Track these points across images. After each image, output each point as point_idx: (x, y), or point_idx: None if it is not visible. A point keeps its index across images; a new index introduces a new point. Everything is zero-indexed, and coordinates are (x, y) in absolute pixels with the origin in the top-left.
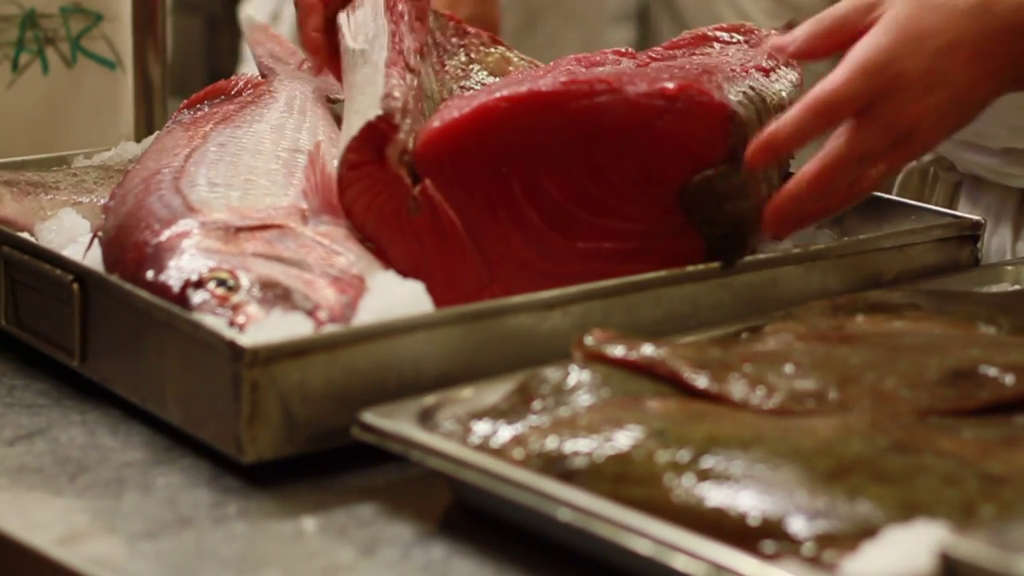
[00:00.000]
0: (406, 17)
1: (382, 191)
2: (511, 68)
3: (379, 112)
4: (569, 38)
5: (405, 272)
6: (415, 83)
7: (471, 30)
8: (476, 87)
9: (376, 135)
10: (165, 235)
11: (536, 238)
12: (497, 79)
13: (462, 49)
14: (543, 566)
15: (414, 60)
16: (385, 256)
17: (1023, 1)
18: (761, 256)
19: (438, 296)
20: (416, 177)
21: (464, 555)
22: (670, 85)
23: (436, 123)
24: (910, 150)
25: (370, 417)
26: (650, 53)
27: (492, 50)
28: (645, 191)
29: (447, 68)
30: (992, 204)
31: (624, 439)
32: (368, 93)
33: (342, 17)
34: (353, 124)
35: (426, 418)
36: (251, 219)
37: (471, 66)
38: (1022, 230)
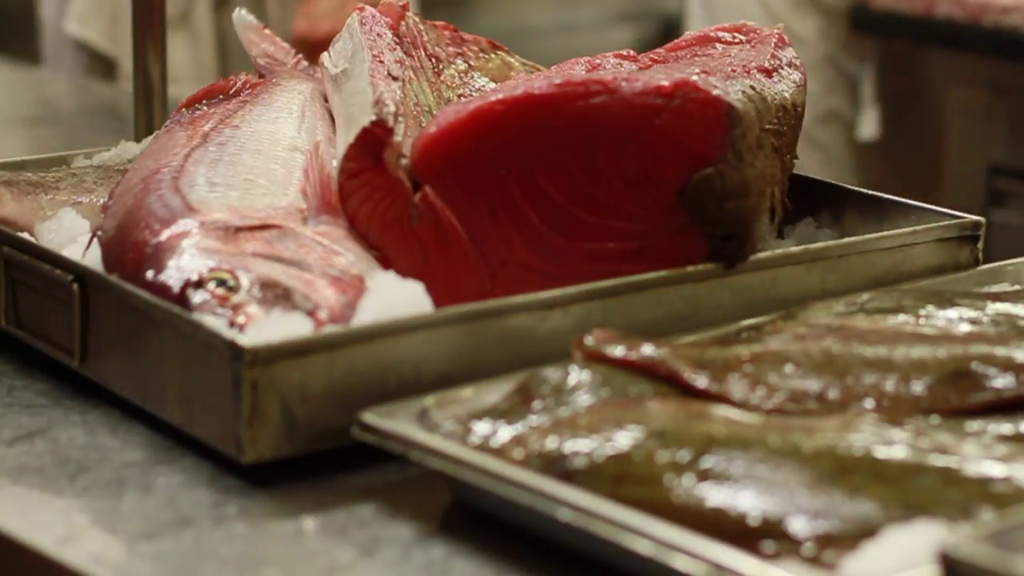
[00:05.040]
0: (384, 36)
1: (383, 198)
2: (513, 73)
3: (372, 118)
4: None
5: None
6: (399, 91)
7: (468, 37)
8: (476, 94)
9: (372, 141)
10: (165, 235)
11: (537, 240)
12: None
13: (459, 57)
14: (543, 566)
15: (397, 70)
16: (389, 264)
17: None
18: (761, 256)
19: (442, 302)
20: (416, 185)
21: (464, 555)
22: (665, 83)
23: (433, 129)
24: None
25: (370, 417)
26: (651, 55)
27: (492, 56)
28: (645, 191)
29: (443, 78)
30: None
31: (624, 439)
32: (358, 102)
33: (324, 56)
34: (348, 132)
35: (426, 418)
36: (251, 219)
37: (470, 73)
38: None
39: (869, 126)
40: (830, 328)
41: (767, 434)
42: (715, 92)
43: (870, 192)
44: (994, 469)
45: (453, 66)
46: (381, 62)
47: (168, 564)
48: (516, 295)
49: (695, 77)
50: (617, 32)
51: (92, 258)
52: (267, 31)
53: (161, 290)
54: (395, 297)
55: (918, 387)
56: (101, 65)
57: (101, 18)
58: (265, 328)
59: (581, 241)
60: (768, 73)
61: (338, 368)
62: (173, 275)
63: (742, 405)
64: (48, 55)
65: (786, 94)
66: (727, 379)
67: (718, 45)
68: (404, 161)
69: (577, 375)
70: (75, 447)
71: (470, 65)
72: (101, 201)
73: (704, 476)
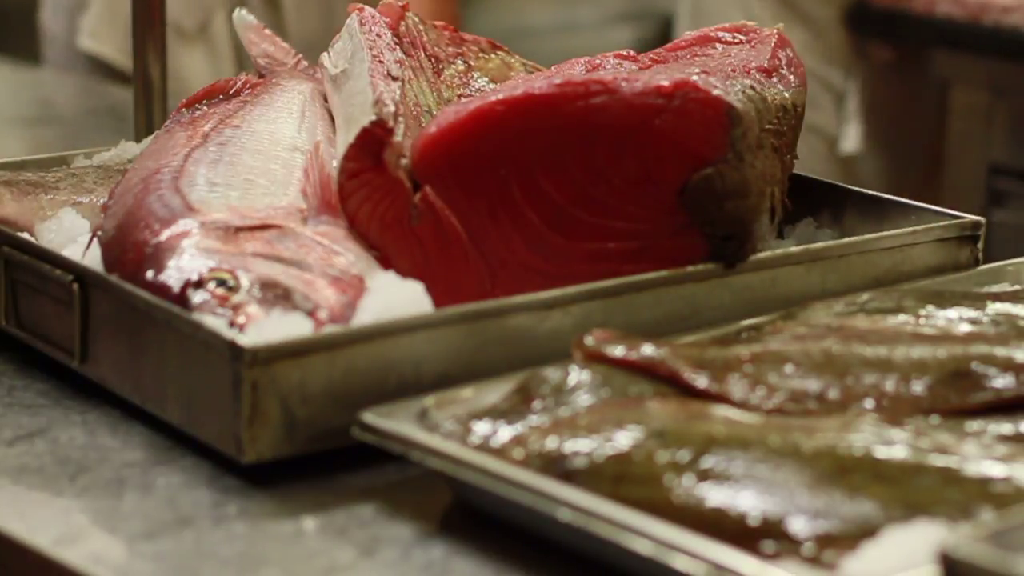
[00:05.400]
0: (384, 36)
1: (383, 198)
2: (513, 74)
3: (372, 118)
4: None
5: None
6: (399, 91)
7: (468, 38)
8: (476, 94)
9: (372, 141)
10: (165, 235)
11: (537, 240)
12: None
13: (459, 58)
14: (543, 566)
15: (396, 71)
16: (389, 264)
17: None
18: (761, 256)
19: (442, 302)
20: (416, 185)
21: (464, 555)
22: (666, 83)
23: (433, 129)
24: None
25: (370, 417)
26: (651, 55)
27: (492, 56)
28: (645, 191)
29: (443, 78)
30: None
31: (624, 439)
32: (358, 103)
33: (323, 56)
34: (348, 132)
35: (426, 418)
36: (251, 219)
37: (471, 73)
38: None
39: (851, 140)
40: (830, 328)
41: (767, 434)
42: (715, 92)
43: (870, 192)
44: (994, 469)
45: (453, 66)
46: (381, 62)
47: (168, 564)
48: (516, 295)
49: (695, 77)
50: (617, 32)
51: (92, 258)
52: (267, 31)
53: (161, 290)
54: (395, 297)
55: (918, 387)
56: (117, 79)
57: (115, 32)
58: (265, 328)
59: (581, 241)
60: (768, 73)
61: (338, 368)
62: (173, 275)
63: (742, 405)
64: (58, 68)
65: (786, 94)
66: (727, 379)
67: (718, 45)
68: (404, 161)
69: (577, 375)
70: (75, 447)
71: (470, 65)
72: (101, 201)
73: (704, 476)
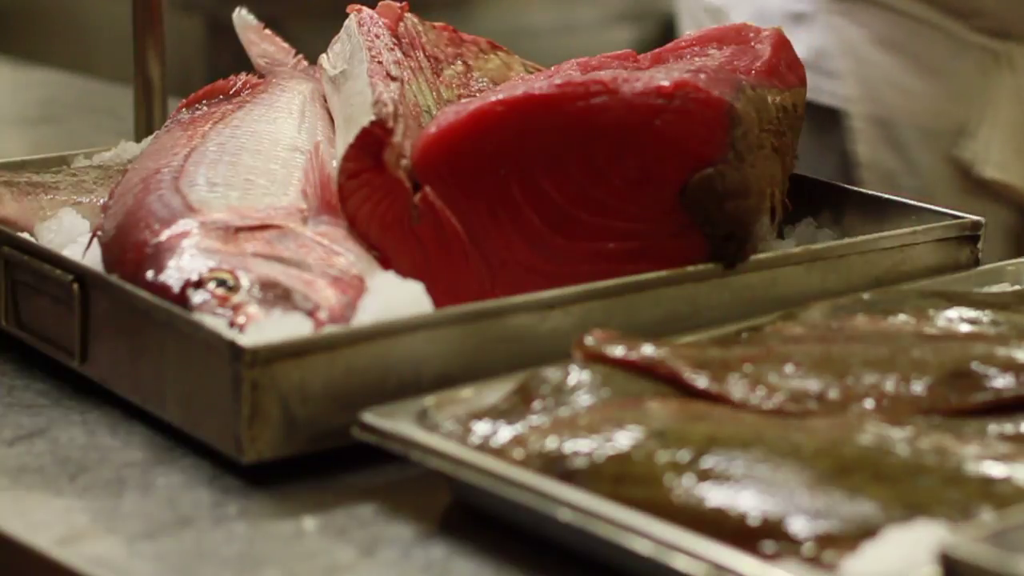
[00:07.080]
0: (382, 37)
1: (383, 198)
2: (512, 74)
3: (372, 118)
4: None
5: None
6: (398, 91)
7: (467, 38)
8: (476, 95)
9: (372, 141)
10: (165, 235)
11: (538, 240)
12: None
13: (458, 58)
14: (543, 566)
15: (395, 71)
16: (389, 264)
17: None
18: (761, 256)
19: (442, 302)
20: (416, 185)
21: (464, 555)
22: (666, 83)
23: (433, 129)
24: None
25: (370, 417)
26: (651, 55)
27: (491, 56)
28: (645, 191)
29: (443, 79)
30: None
31: (624, 439)
32: (357, 103)
33: (322, 58)
34: (348, 133)
35: (426, 418)
36: (251, 219)
37: (470, 74)
38: None
39: None
40: (830, 328)
41: (767, 434)
42: (715, 92)
43: (870, 192)
44: (994, 469)
45: (452, 67)
46: (380, 63)
47: (168, 564)
48: (516, 295)
49: (695, 78)
50: (617, 32)
51: (92, 258)
52: (267, 31)
53: (161, 290)
54: (395, 297)
55: (918, 387)
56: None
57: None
58: (265, 328)
59: (581, 241)
60: (768, 73)
61: (338, 368)
62: (173, 275)
63: (742, 405)
64: None
65: (786, 94)
66: (727, 379)
67: (718, 45)
68: (404, 161)
69: (577, 375)
70: (75, 447)
71: (469, 66)
72: (101, 201)
73: (704, 476)
